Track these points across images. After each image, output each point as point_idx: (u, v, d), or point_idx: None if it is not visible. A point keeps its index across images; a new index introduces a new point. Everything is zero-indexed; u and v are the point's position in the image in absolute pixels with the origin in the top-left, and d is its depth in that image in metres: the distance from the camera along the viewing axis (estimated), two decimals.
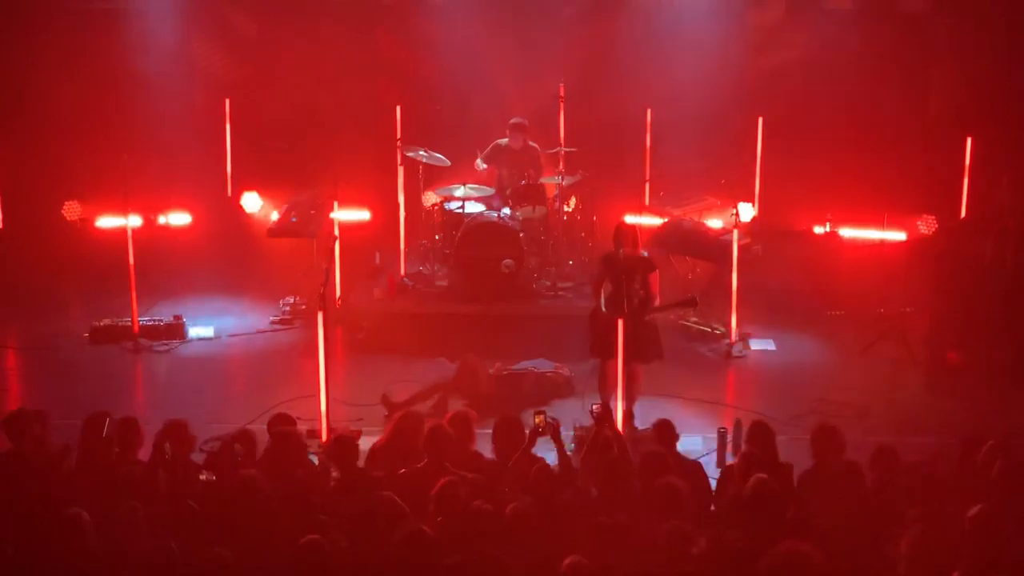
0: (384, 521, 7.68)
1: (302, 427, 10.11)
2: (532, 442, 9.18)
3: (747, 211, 15.19)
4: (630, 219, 15.04)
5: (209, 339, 14.89)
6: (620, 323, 11.08)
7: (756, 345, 14.47)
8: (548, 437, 9.21)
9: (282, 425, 9.51)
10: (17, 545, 7.78)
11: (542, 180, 15.55)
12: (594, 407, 9.75)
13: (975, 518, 7.51)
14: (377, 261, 16.21)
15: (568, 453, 9.60)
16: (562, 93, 15.75)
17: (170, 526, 7.89)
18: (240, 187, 16.71)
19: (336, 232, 14.79)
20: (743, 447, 9.65)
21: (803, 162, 16.30)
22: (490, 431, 9.63)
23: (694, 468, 9.54)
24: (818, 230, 15.57)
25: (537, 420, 9.20)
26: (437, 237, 15.63)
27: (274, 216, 15.97)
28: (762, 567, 6.97)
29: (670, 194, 16.52)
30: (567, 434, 10.09)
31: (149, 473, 8.80)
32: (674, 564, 7.42)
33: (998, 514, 7.58)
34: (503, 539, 7.61)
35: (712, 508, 9.03)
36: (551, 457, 9.27)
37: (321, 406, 11.17)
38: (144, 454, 9.32)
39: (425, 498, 8.08)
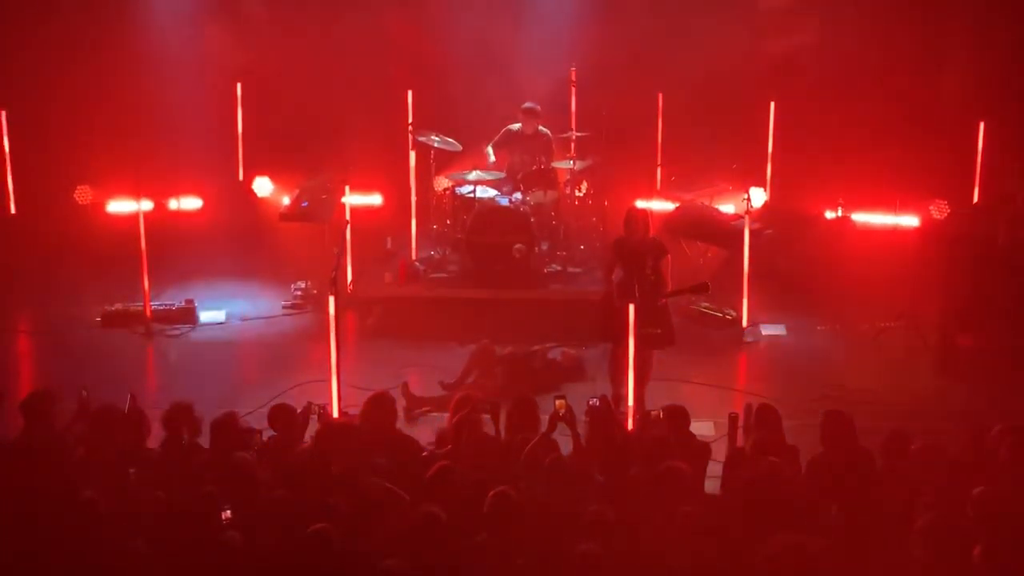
0: (379, 508, 7.72)
1: (314, 411, 10.11)
2: (551, 428, 9.16)
3: (759, 196, 15.16)
4: (641, 204, 15.00)
5: (220, 323, 14.93)
6: (631, 308, 11.07)
7: (767, 330, 14.46)
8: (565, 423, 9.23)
9: (283, 416, 9.55)
10: (30, 528, 7.80)
11: (553, 165, 15.54)
12: (591, 401, 9.74)
13: (978, 499, 7.51)
14: (388, 246, 16.21)
15: (582, 441, 9.60)
16: (574, 77, 15.74)
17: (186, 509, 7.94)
18: (251, 171, 16.71)
19: (347, 217, 14.79)
20: (752, 431, 9.65)
21: (815, 147, 16.25)
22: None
23: (700, 451, 9.54)
24: (830, 215, 15.54)
25: (558, 404, 9.19)
26: (448, 222, 15.62)
27: (285, 201, 15.96)
28: (761, 558, 6.99)
29: (682, 179, 16.49)
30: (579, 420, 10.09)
31: (164, 459, 8.85)
32: (685, 550, 7.43)
33: (1003, 495, 7.58)
34: (516, 525, 7.62)
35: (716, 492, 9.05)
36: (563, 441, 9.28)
37: (332, 390, 11.17)
38: (152, 441, 9.38)
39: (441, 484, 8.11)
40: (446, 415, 10.07)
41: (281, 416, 9.55)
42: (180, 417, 9.26)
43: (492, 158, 15.48)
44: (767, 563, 6.98)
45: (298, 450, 9.11)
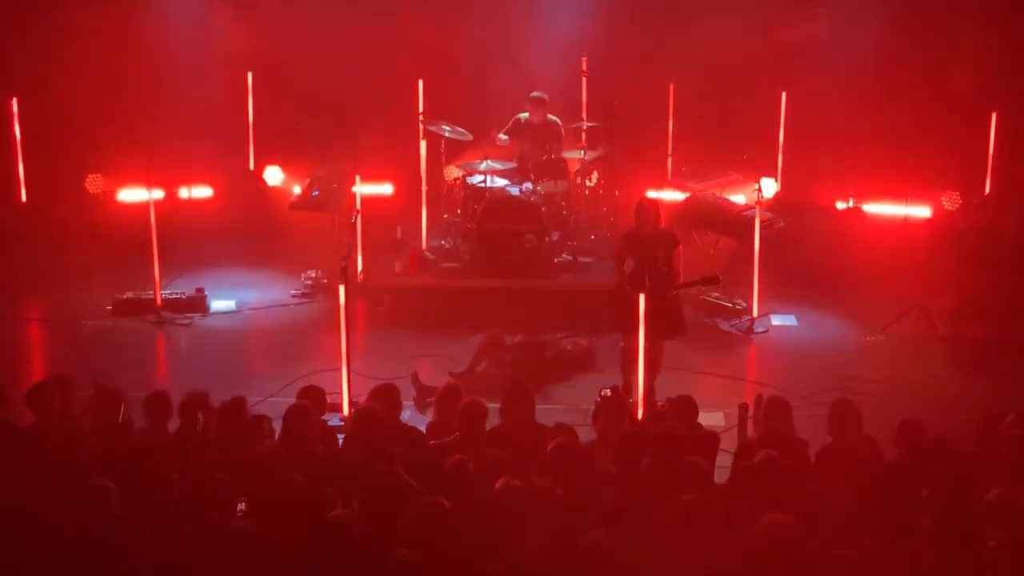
0: (391, 497, 7.73)
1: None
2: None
3: (770, 186, 15.14)
4: (652, 194, 15.01)
5: (231, 312, 14.95)
6: (642, 299, 11.06)
7: (777, 321, 14.45)
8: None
9: (303, 398, 9.53)
10: (43, 516, 7.82)
11: (564, 154, 15.53)
12: (602, 392, 9.74)
13: (994, 503, 7.49)
14: (399, 235, 16.21)
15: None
16: (585, 67, 15.72)
17: (198, 498, 7.95)
18: (262, 161, 16.74)
19: (358, 206, 14.79)
20: (762, 423, 9.64)
21: (826, 137, 16.23)
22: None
23: (709, 442, 9.52)
24: (841, 206, 15.53)
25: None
26: (459, 211, 15.61)
27: (296, 190, 15.98)
28: (746, 540, 7.00)
29: (692, 169, 16.48)
30: (587, 409, 10.10)
31: (179, 446, 8.87)
32: (692, 540, 7.43)
33: (1017, 495, 7.56)
34: (525, 516, 7.62)
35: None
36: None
37: (342, 380, 11.18)
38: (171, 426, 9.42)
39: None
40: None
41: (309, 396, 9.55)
42: (196, 405, 9.28)
43: (504, 139, 15.41)
44: (751, 543, 6.99)
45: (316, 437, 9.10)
